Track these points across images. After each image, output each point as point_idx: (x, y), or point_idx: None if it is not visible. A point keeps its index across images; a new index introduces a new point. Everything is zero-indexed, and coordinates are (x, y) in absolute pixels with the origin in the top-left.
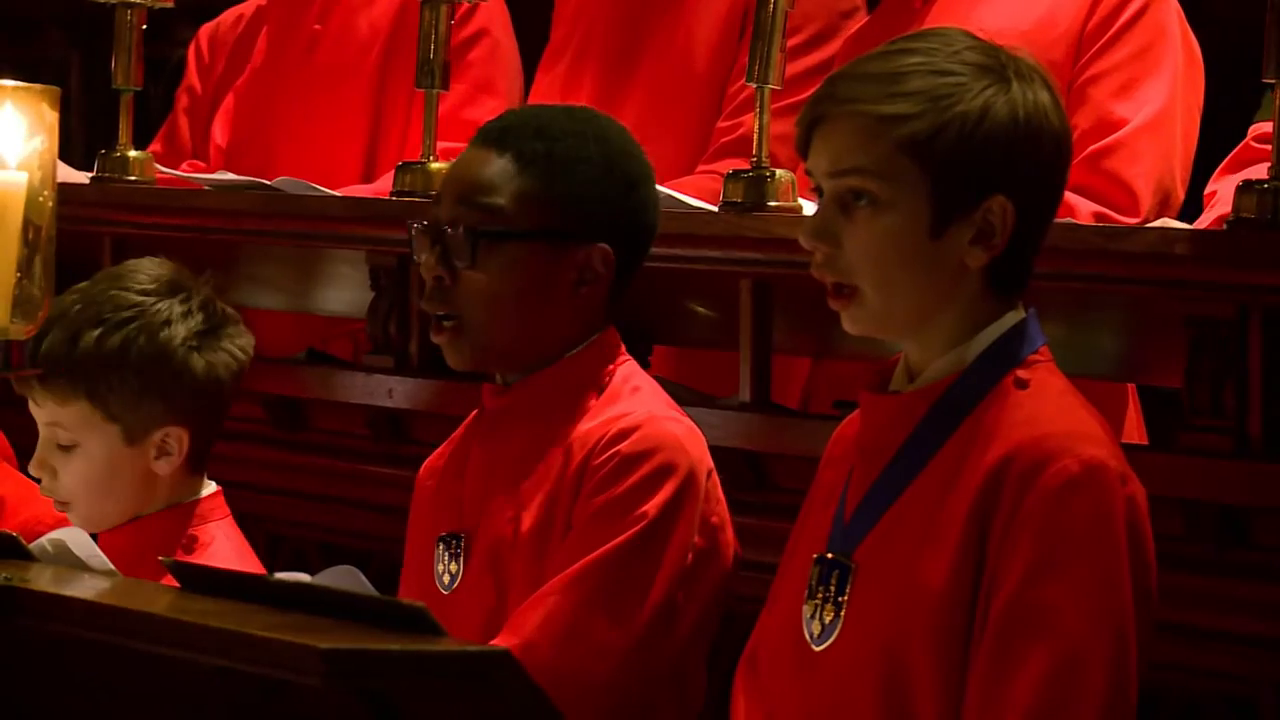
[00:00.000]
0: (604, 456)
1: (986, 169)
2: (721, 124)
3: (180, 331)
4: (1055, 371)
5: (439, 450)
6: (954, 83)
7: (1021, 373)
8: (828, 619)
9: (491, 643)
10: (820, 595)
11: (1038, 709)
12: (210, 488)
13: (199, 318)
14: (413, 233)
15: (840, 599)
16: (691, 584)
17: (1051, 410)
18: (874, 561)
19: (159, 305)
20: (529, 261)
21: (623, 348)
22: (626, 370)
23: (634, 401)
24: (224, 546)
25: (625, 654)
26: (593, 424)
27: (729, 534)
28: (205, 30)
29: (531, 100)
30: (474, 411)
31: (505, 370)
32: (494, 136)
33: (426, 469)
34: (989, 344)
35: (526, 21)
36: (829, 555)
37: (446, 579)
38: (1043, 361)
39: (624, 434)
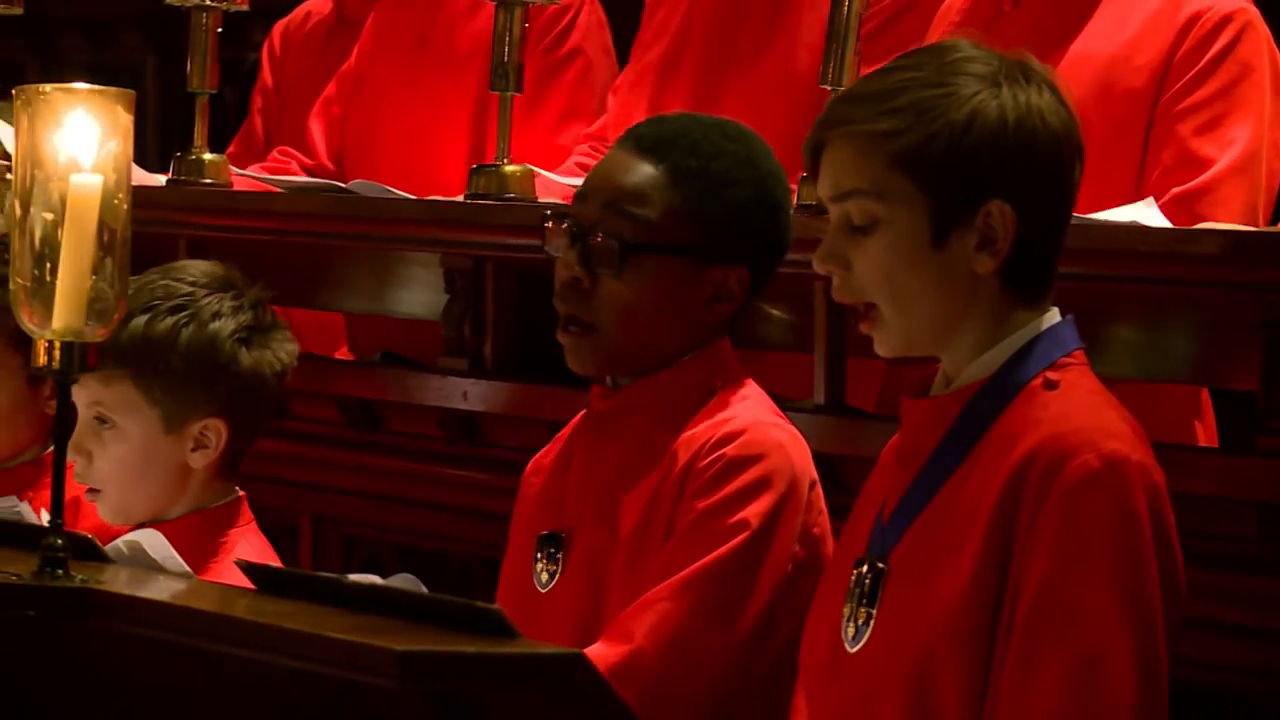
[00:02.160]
0: (708, 459)
1: (978, 175)
2: None
3: (230, 325)
4: (1087, 374)
5: (546, 448)
6: (943, 93)
7: (1051, 374)
8: (860, 622)
9: (596, 647)
10: (856, 598)
11: (1064, 707)
12: (236, 493)
13: (249, 314)
14: (547, 224)
15: (873, 603)
16: (790, 594)
17: (1076, 408)
18: (905, 565)
19: (210, 297)
20: (670, 276)
21: (734, 357)
22: (736, 379)
23: (741, 407)
24: (247, 551)
25: (727, 662)
26: (699, 428)
27: (830, 543)
28: (278, 27)
29: (617, 98)
30: (581, 411)
31: (620, 374)
32: (647, 144)
33: (532, 466)
34: (1019, 346)
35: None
36: (867, 560)
37: (544, 578)
38: (1075, 364)
39: (729, 438)
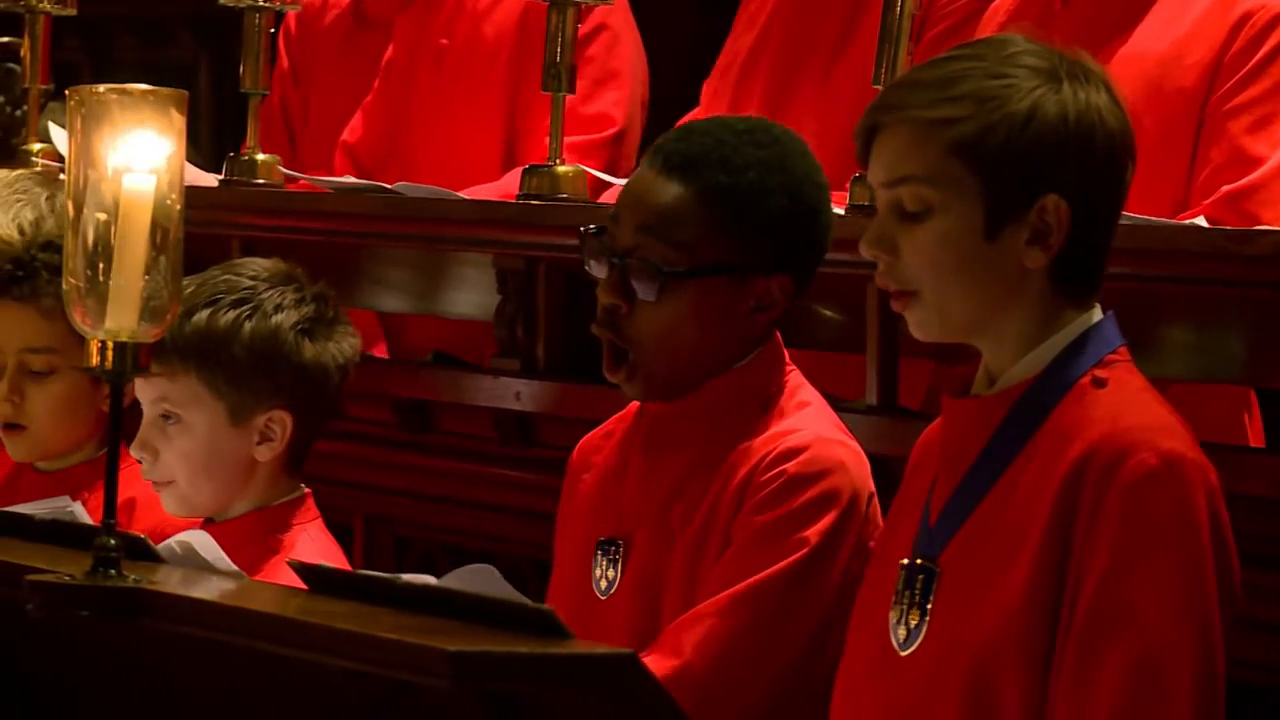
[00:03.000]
0: (770, 474)
1: (1037, 169)
2: None
3: (292, 316)
4: (1134, 371)
5: (591, 440)
6: (1003, 85)
7: (1099, 372)
8: (913, 624)
9: (645, 661)
10: (906, 600)
11: (1123, 707)
12: (301, 490)
13: (311, 307)
14: (584, 240)
15: (925, 604)
16: (845, 609)
17: (1129, 406)
18: (958, 566)
19: (271, 290)
20: (711, 296)
21: (787, 356)
22: (794, 382)
23: (802, 419)
24: (310, 550)
25: (778, 680)
26: (759, 438)
27: None
28: (292, 15)
29: (704, 97)
30: (632, 408)
31: (678, 395)
32: (675, 163)
33: (579, 459)
34: (1065, 345)
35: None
36: (915, 561)
37: (604, 584)
38: (1121, 361)
39: (791, 454)
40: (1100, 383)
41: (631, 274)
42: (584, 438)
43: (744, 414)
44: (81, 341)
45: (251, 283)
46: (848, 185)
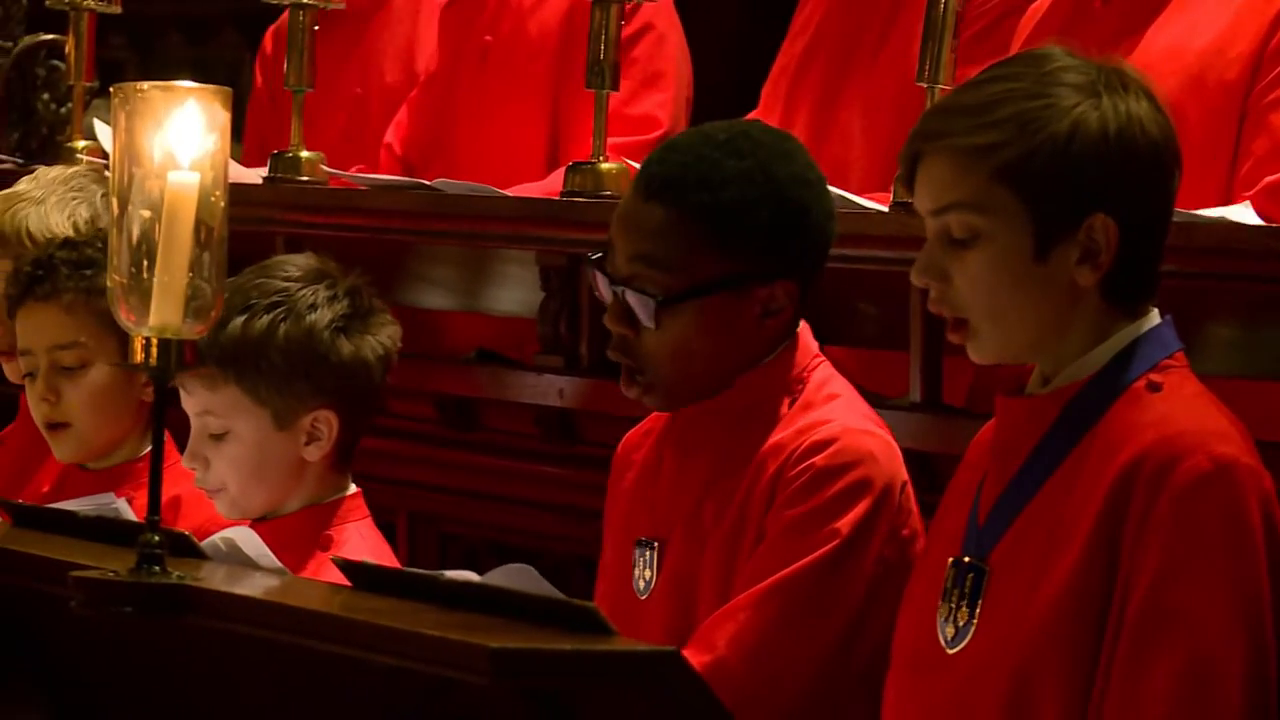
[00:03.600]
0: (799, 468)
1: (1082, 188)
2: None
3: (326, 315)
4: (1190, 376)
5: (634, 437)
6: (1043, 105)
7: (1154, 376)
8: (961, 622)
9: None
10: (954, 598)
11: (1173, 712)
12: (351, 488)
13: (344, 303)
14: (590, 267)
15: (975, 603)
16: (881, 596)
17: (1183, 411)
18: (1007, 565)
19: (304, 290)
20: (712, 312)
21: (817, 347)
22: (822, 374)
23: (830, 410)
24: (359, 547)
25: (814, 671)
26: (787, 432)
27: (920, 544)
28: (270, 30)
29: (761, 100)
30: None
31: (702, 399)
32: (656, 188)
33: (622, 454)
34: (1121, 348)
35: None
36: (964, 559)
37: (641, 584)
38: (1177, 366)
39: (819, 446)
40: (1155, 387)
41: (630, 303)
42: (626, 435)
43: (771, 408)
44: (106, 331)
45: (284, 284)
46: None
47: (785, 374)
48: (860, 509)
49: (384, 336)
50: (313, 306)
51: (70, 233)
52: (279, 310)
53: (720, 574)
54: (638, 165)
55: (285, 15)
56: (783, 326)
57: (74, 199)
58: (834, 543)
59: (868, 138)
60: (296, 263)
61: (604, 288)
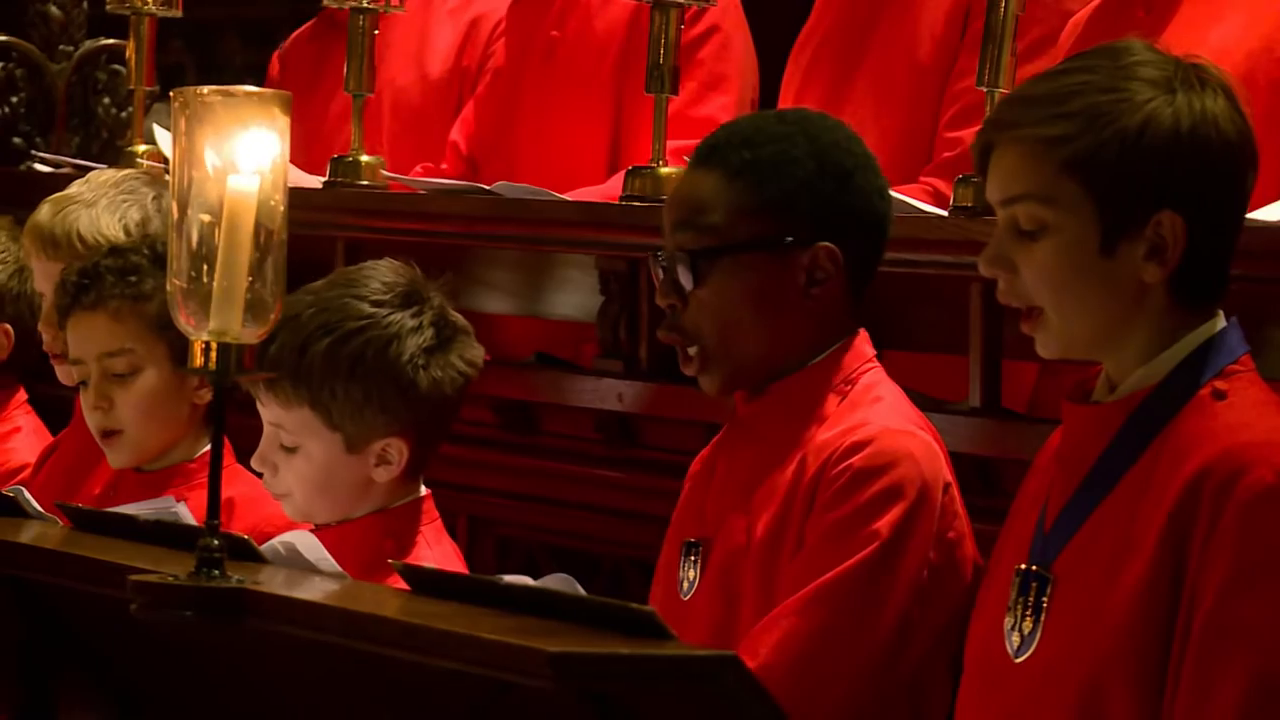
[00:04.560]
0: (837, 469)
1: (1150, 184)
2: (946, 134)
3: (409, 346)
4: (1256, 381)
5: (704, 452)
6: (1116, 99)
7: (1220, 383)
8: (1026, 630)
9: None
10: (1020, 607)
11: None
12: (421, 492)
13: (429, 333)
14: (650, 266)
15: (1039, 611)
16: (927, 600)
17: (1248, 421)
18: (1072, 574)
19: (391, 317)
20: (752, 272)
21: (872, 352)
22: (872, 377)
23: (873, 410)
24: (428, 552)
25: (860, 676)
26: (829, 434)
27: (968, 548)
28: (277, 53)
29: (782, 90)
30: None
31: (755, 381)
32: (704, 154)
33: (692, 469)
34: (1186, 354)
35: (782, 11)
36: (1029, 567)
37: (685, 585)
38: (1243, 372)
39: (857, 447)
40: (1220, 394)
41: (671, 268)
42: (701, 451)
43: (818, 407)
44: (154, 337)
45: (372, 310)
46: (920, 178)
47: (835, 374)
48: (899, 510)
49: (464, 363)
50: (396, 337)
51: (121, 236)
52: (361, 339)
53: (762, 574)
54: None
55: (293, 38)
56: (832, 302)
57: (124, 202)
58: (874, 545)
59: (879, 129)
60: (385, 280)
61: (655, 271)
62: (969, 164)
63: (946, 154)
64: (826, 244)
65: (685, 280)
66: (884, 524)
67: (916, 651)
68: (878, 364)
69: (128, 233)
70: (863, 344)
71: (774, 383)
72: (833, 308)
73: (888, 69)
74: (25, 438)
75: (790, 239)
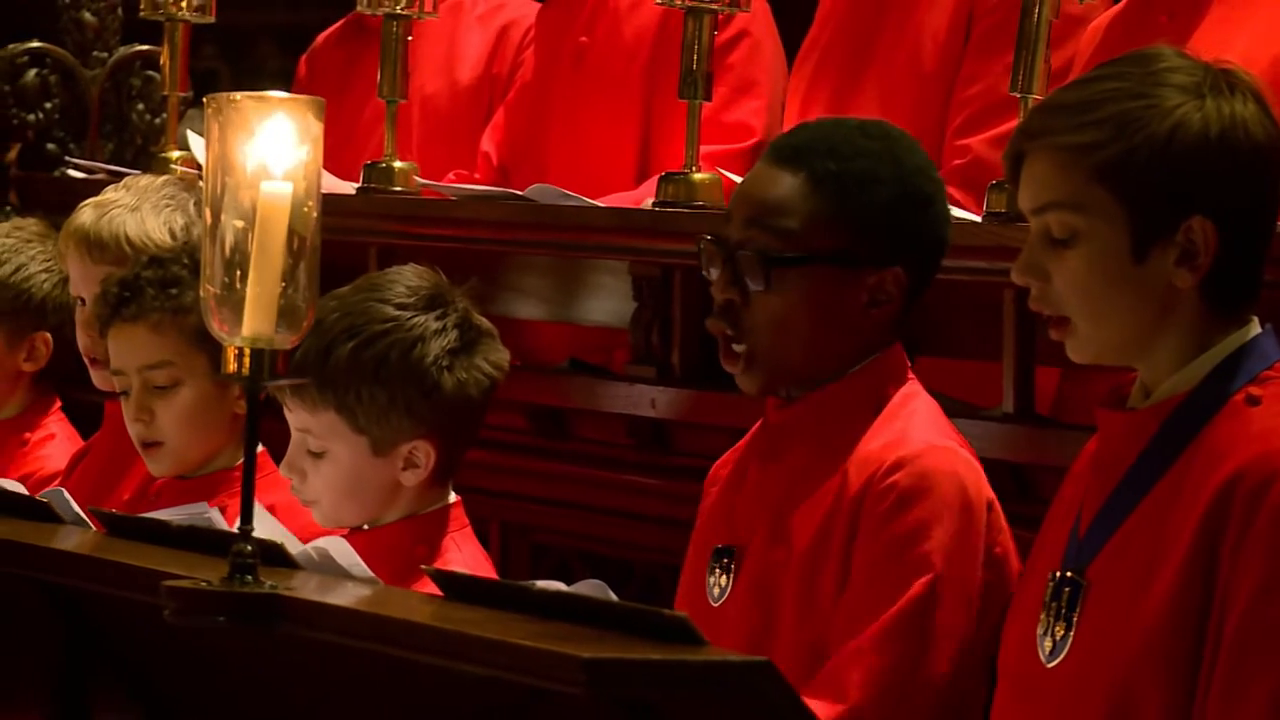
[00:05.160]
0: (882, 487)
1: (1180, 190)
2: (954, 141)
3: (433, 349)
4: None
5: (725, 456)
6: (1144, 105)
7: (1254, 389)
8: (1059, 636)
9: (811, 703)
10: (1053, 612)
11: None
12: (450, 498)
13: (453, 335)
14: (701, 247)
15: (1071, 616)
16: (982, 619)
17: None
18: (1105, 579)
19: (414, 320)
20: (821, 285)
21: (908, 366)
22: (908, 389)
23: (911, 425)
24: (457, 557)
25: (937, 703)
26: (870, 448)
27: (1013, 561)
28: (304, 57)
29: (787, 97)
30: (759, 421)
31: (791, 388)
32: (786, 154)
33: (712, 474)
34: (1220, 360)
35: (790, 18)
36: (1063, 573)
37: (716, 592)
38: (1277, 378)
39: (901, 464)
40: (1254, 400)
41: (741, 266)
42: (720, 458)
43: (855, 420)
44: (195, 349)
45: (396, 312)
46: None
47: (873, 386)
48: (946, 531)
49: (490, 365)
50: (420, 339)
51: (167, 239)
52: (385, 342)
53: (803, 586)
54: (730, 175)
55: (319, 40)
56: (885, 322)
57: (168, 206)
58: (929, 575)
59: None
60: (409, 284)
61: (713, 258)
62: (978, 171)
63: (956, 161)
64: (897, 269)
65: (753, 280)
66: (934, 548)
67: (976, 668)
68: (913, 376)
69: (173, 236)
70: (899, 356)
71: (810, 391)
72: (883, 326)
73: (892, 76)
74: (59, 445)
75: (865, 259)
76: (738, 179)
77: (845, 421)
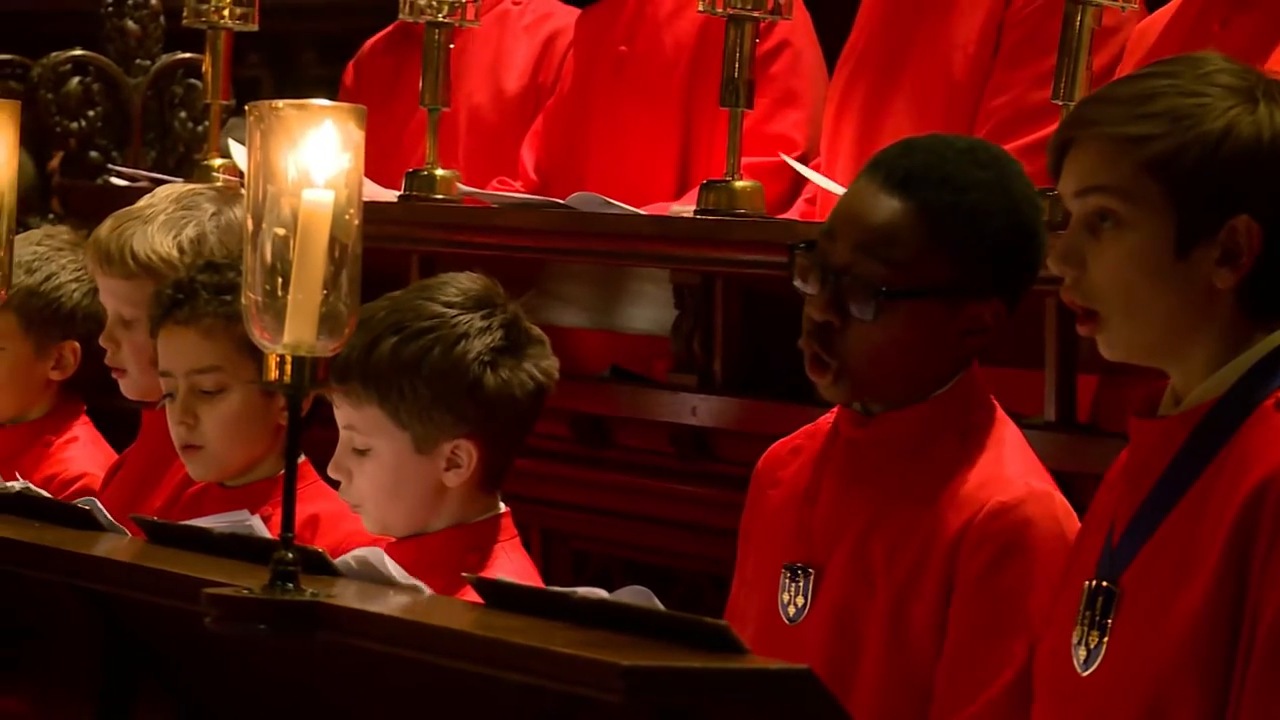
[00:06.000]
0: (981, 535)
1: (1229, 189)
2: None
3: (476, 346)
4: None
5: (777, 451)
6: (1199, 103)
7: None
8: (1093, 645)
9: None
10: (1087, 621)
11: None
12: (500, 509)
13: (498, 334)
14: (795, 257)
15: (1105, 625)
16: None
17: None
18: (1138, 588)
19: (459, 318)
20: (924, 316)
21: (986, 386)
22: (992, 414)
23: (1004, 458)
24: (507, 567)
25: None
26: (966, 485)
27: None
28: (351, 63)
29: (826, 105)
30: (822, 424)
31: (873, 403)
32: (897, 179)
33: (765, 471)
34: (1250, 367)
35: (826, 25)
36: (1097, 582)
37: (791, 610)
38: None
39: (1000, 512)
40: None
41: (847, 292)
42: (770, 449)
43: (945, 446)
44: (244, 356)
45: (441, 310)
46: None
47: (958, 410)
48: (1044, 588)
49: (536, 371)
50: (464, 336)
51: (175, 254)
52: (429, 337)
53: (891, 618)
54: (772, 189)
55: (366, 47)
56: (976, 349)
57: (182, 219)
58: (1025, 637)
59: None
60: (461, 285)
61: (810, 276)
62: None
63: None
64: (996, 301)
65: (860, 310)
66: (1035, 608)
67: None
68: (992, 397)
69: (181, 250)
70: (980, 378)
71: (891, 409)
72: (973, 352)
73: (924, 85)
74: (82, 447)
75: (971, 291)
76: (802, 168)
77: (931, 446)
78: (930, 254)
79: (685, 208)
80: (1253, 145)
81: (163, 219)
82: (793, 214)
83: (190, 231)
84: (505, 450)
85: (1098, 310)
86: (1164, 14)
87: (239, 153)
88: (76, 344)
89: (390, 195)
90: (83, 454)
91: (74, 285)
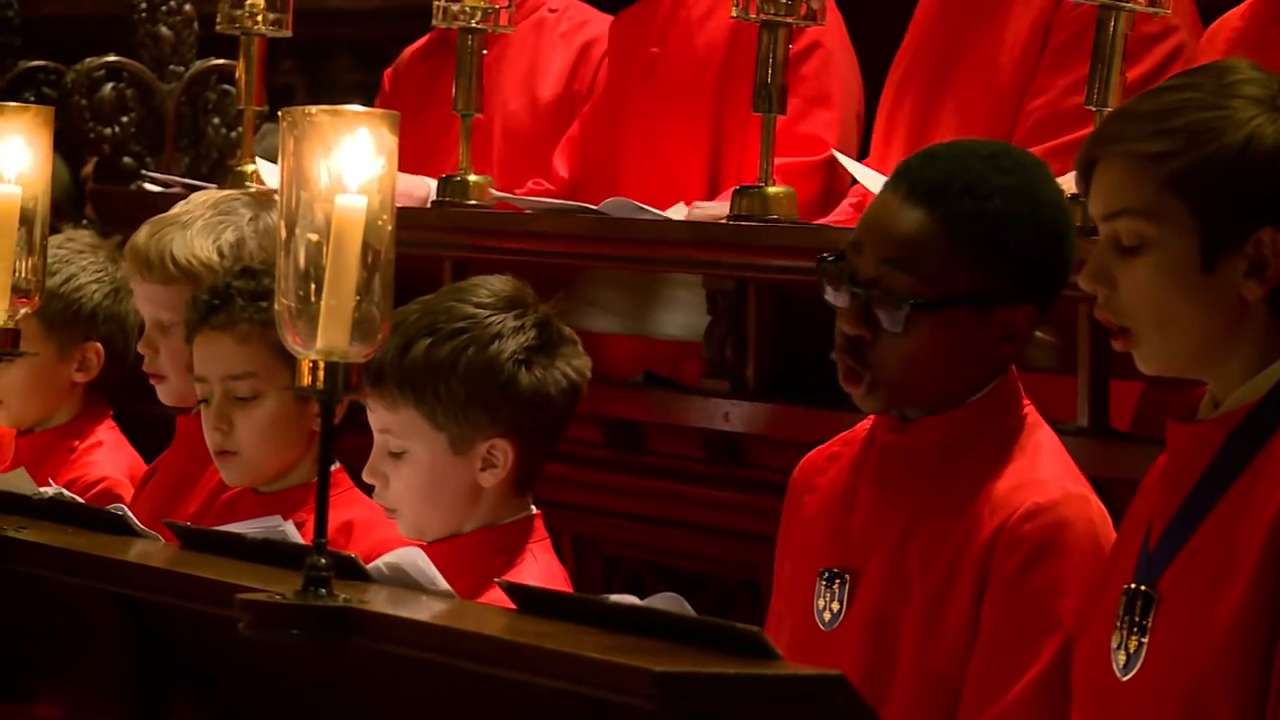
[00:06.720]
0: (1015, 536)
1: (1252, 200)
2: None
3: (510, 345)
4: None
5: (814, 459)
6: (1218, 116)
7: None
8: (1132, 649)
9: None
10: (1125, 625)
11: None
12: (530, 510)
13: (531, 334)
14: (824, 269)
15: (1144, 629)
16: None
17: None
18: (1176, 592)
19: (492, 318)
20: (955, 326)
21: (1022, 391)
22: (1028, 418)
23: (1040, 462)
24: (534, 569)
25: None
26: (1001, 488)
27: None
28: (389, 71)
29: (879, 108)
30: (858, 431)
31: (908, 410)
32: (920, 190)
33: (801, 478)
34: None
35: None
36: (1135, 586)
37: (827, 616)
38: None
39: (1034, 514)
40: None
41: (876, 305)
42: (806, 456)
43: (981, 451)
44: (279, 363)
45: (474, 311)
46: None
47: (995, 415)
48: (1078, 590)
49: (570, 370)
50: (498, 336)
51: (215, 258)
52: (463, 337)
53: (925, 622)
54: (805, 190)
55: (405, 54)
56: (1011, 354)
57: (220, 223)
58: (1060, 635)
59: None
60: (492, 287)
61: (839, 288)
62: None
63: None
64: (1029, 305)
65: (889, 323)
66: (1067, 608)
67: None
68: (1029, 402)
69: (221, 255)
70: (1016, 384)
71: (928, 415)
72: (1008, 357)
73: (971, 89)
74: (106, 452)
75: (1001, 298)
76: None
77: (968, 451)
78: (957, 263)
79: (709, 205)
80: (1274, 154)
81: (201, 224)
82: (838, 216)
83: (229, 236)
84: (540, 450)
85: (1130, 328)
86: (1234, 16)
87: (268, 171)
88: (99, 345)
89: (422, 183)
90: (106, 458)
91: (94, 286)
